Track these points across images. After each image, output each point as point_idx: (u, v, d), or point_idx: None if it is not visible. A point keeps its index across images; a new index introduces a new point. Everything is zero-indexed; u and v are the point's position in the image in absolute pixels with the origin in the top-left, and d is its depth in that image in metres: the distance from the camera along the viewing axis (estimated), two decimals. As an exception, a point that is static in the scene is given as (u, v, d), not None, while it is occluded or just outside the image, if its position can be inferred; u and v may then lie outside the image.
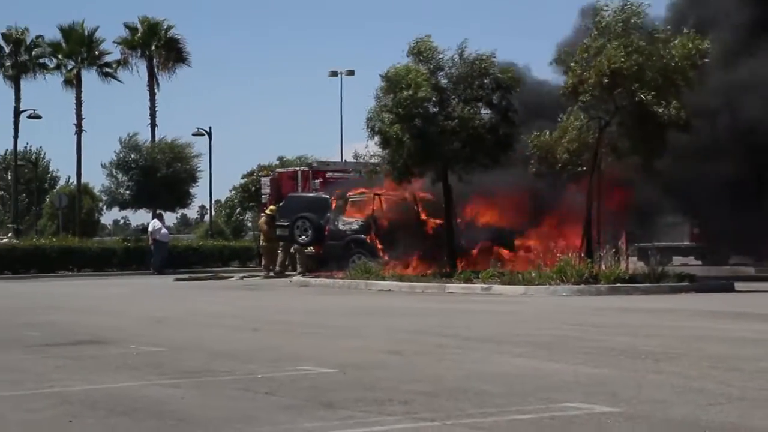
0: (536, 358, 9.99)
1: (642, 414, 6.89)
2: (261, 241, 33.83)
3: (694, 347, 10.77)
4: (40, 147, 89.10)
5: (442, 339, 11.83)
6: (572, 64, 21.07)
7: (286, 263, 32.50)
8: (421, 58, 23.81)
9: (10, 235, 47.69)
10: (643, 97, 20.33)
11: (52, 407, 7.45)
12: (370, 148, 24.31)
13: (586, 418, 6.77)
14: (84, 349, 11.42)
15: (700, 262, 36.68)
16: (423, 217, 27.80)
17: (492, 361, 9.83)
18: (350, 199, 30.54)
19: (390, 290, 22.91)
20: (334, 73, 61.22)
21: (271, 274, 31.71)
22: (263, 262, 33.38)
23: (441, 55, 24.00)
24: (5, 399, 7.88)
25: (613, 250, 22.71)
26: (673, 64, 20.42)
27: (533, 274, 21.87)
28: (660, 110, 20.32)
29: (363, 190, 29.62)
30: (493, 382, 8.30)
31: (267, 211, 33.47)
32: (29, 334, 13.03)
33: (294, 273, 30.98)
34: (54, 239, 42.33)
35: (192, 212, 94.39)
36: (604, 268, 21.61)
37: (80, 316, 16.70)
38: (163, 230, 38.14)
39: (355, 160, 27.58)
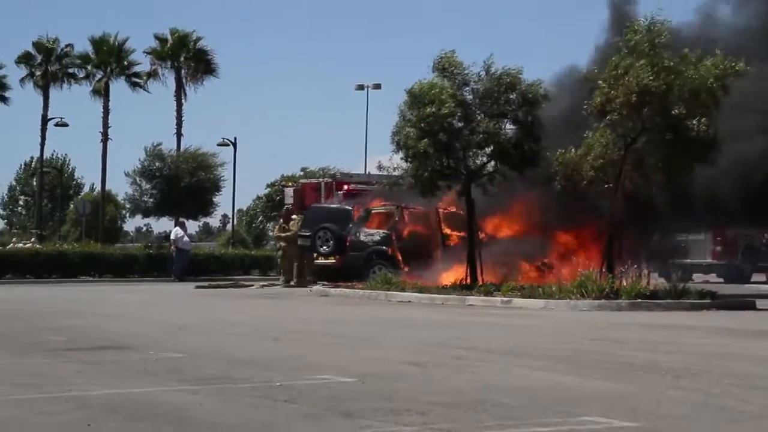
0: (556, 371, 9.97)
1: (661, 430, 6.88)
2: (279, 249, 33.76)
3: (715, 364, 10.73)
4: (65, 154, 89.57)
5: (461, 351, 11.81)
6: (600, 82, 21.04)
7: (305, 273, 32.55)
8: (446, 73, 23.82)
9: (33, 240, 47.86)
10: (676, 112, 20.32)
11: (71, 411, 7.48)
12: (394, 161, 24.37)
13: (605, 432, 6.76)
14: (105, 354, 11.47)
15: (721, 279, 36.58)
16: (445, 230, 27.82)
17: (511, 373, 9.82)
18: (373, 211, 30.59)
19: (410, 302, 22.90)
20: (360, 87, 61.34)
21: (292, 283, 31.74)
22: (281, 270, 33.35)
23: (466, 71, 24.02)
24: (26, 402, 7.92)
25: (635, 266, 22.60)
26: (708, 84, 20.38)
27: (554, 288, 21.83)
28: (691, 124, 20.32)
29: (385, 202, 29.68)
30: (512, 395, 8.29)
31: (281, 221, 33.54)
32: (51, 339, 13.09)
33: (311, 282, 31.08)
34: (76, 245, 42.52)
35: (214, 221, 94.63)
36: (624, 283, 21.54)
37: (101, 321, 16.76)
38: (185, 238, 38.25)
39: (378, 172, 27.59)
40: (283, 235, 32.41)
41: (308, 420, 7.10)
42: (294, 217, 33.13)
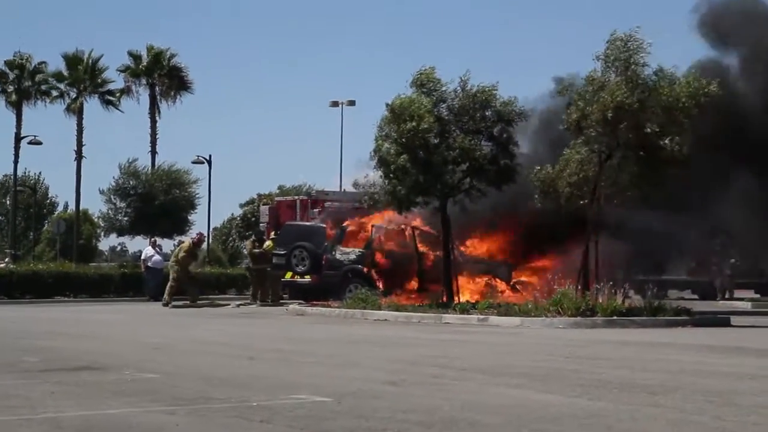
0: (532, 389, 9.99)
1: (637, 447, 6.89)
2: (249, 267, 33.50)
3: (689, 381, 10.77)
4: (39, 172, 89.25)
5: (437, 369, 11.82)
6: (575, 96, 21.17)
7: (280, 292, 32.52)
8: (424, 89, 23.92)
9: (7, 260, 47.61)
10: (648, 130, 20.46)
11: (46, 433, 7.44)
12: (370, 178, 24.42)
13: (581, 450, 6.77)
14: (80, 375, 11.40)
15: (696, 297, 36.77)
16: (420, 248, 27.87)
17: (488, 392, 9.83)
18: (347, 229, 30.60)
19: (386, 320, 22.89)
20: (335, 103, 61.46)
21: (268, 300, 31.65)
22: (251, 290, 33.16)
23: (444, 87, 24.13)
24: (-1, 424, 7.87)
25: (610, 283, 22.67)
26: (680, 103, 20.53)
27: (529, 306, 21.91)
28: (663, 143, 20.46)
29: (362, 220, 29.72)
30: (489, 413, 8.30)
31: (251, 241, 33.52)
32: (25, 360, 13.00)
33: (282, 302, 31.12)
34: (51, 265, 42.27)
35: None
36: (600, 300, 21.61)
37: (77, 342, 16.66)
38: (156, 257, 38.03)
39: (354, 190, 27.62)
40: (257, 251, 32.21)
41: (284, 440, 7.09)
42: (268, 242, 32.99)
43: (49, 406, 8.74)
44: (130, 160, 50.45)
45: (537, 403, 9.01)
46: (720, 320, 22.58)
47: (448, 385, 10.30)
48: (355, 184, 25.68)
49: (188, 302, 31.71)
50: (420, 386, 10.27)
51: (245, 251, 34.69)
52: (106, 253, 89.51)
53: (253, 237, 33.58)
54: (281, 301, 31.79)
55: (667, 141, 20.75)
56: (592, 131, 21.12)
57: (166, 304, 30.97)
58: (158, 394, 9.51)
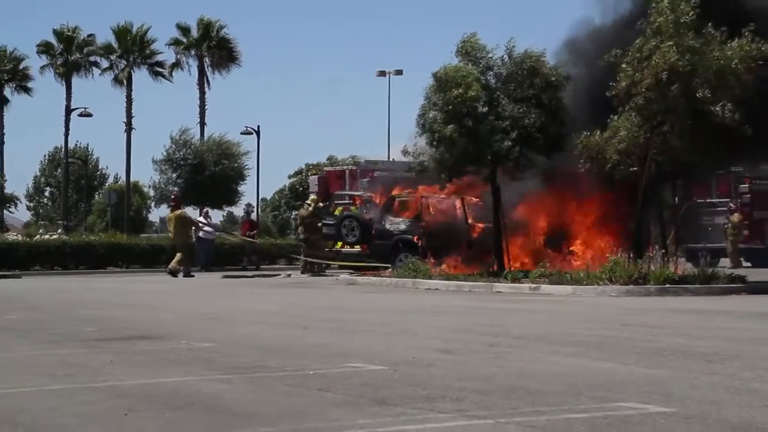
0: (587, 357, 9.95)
1: (697, 414, 6.85)
2: (301, 235, 33.30)
3: (747, 349, 10.69)
4: (87, 144, 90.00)
5: (491, 338, 11.80)
6: (624, 65, 20.94)
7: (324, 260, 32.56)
8: (470, 57, 23.75)
9: (59, 231, 48.08)
10: (699, 94, 20.17)
11: (107, 401, 7.52)
12: (419, 146, 24.32)
13: (641, 418, 6.73)
14: (136, 344, 11.51)
15: (749, 264, 36.42)
16: (470, 220, 27.79)
17: (543, 360, 9.80)
18: (398, 199, 30.58)
19: (437, 289, 22.90)
20: (382, 73, 61.36)
21: (316, 268, 31.64)
22: (303, 256, 32.97)
23: (489, 54, 23.95)
24: (61, 392, 7.96)
25: (663, 251, 22.51)
26: (732, 65, 20.23)
27: (582, 275, 21.77)
28: (715, 109, 20.16)
29: (411, 190, 29.68)
30: (546, 381, 8.28)
31: (309, 201, 33.10)
32: (82, 329, 13.15)
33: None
34: (103, 236, 42.66)
35: (239, 210, 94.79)
36: (653, 268, 21.46)
37: (131, 311, 16.82)
38: (208, 228, 38.29)
39: (403, 159, 27.56)
40: (308, 220, 32.10)
41: (342, 408, 7.11)
42: (312, 197, 32.99)
43: (109, 375, 8.83)
44: (181, 130, 50.70)
45: (594, 371, 8.98)
46: (775, 287, 22.34)
47: (503, 354, 10.29)
48: (404, 152, 25.57)
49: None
50: (475, 354, 10.27)
51: (298, 217, 34.30)
52: (156, 224, 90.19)
53: (309, 203, 32.97)
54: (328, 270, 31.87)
55: (718, 108, 20.43)
56: (642, 99, 20.86)
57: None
58: (214, 363, 9.58)
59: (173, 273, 30.60)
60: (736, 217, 35.78)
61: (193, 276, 30.77)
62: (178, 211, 32.74)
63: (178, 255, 31.19)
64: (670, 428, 6.41)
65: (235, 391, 7.92)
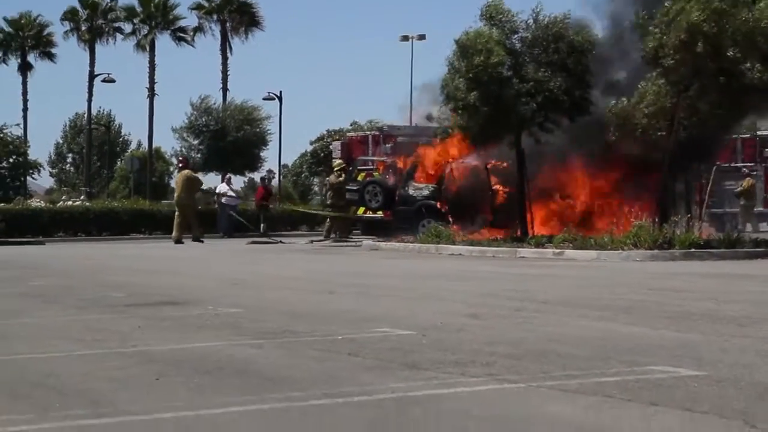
0: (616, 321, 9.92)
1: (729, 377, 6.81)
2: (329, 201, 33.35)
3: (776, 312, 10.65)
4: (110, 110, 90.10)
5: (518, 303, 11.77)
6: (651, 27, 20.78)
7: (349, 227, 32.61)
8: (494, 21, 23.62)
9: (82, 197, 48.26)
10: (730, 54, 19.98)
11: (137, 365, 7.53)
12: (443, 111, 24.26)
13: (673, 381, 6.70)
14: (163, 309, 11.53)
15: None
16: (494, 186, 27.73)
17: (572, 324, 9.77)
18: (420, 164, 30.53)
19: (461, 254, 22.89)
20: (405, 38, 61.12)
21: (347, 237, 31.65)
22: (328, 224, 33.00)
23: (514, 18, 23.81)
24: (91, 357, 7.98)
25: (687, 215, 22.43)
26: (763, 24, 20.03)
27: (606, 239, 21.74)
28: (745, 68, 19.98)
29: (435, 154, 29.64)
30: (575, 345, 8.25)
31: (335, 166, 33.00)
32: (108, 295, 13.19)
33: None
34: (126, 202, 42.80)
35: (259, 176, 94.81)
36: (678, 233, 21.39)
37: (157, 277, 16.88)
38: (230, 194, 38.33)
39: (427, 124, 27.51)
40: (337, 186, 32.06)
41: (374, 372, 7.11)
42: (338, 161, 32.95)
43: (138, 340, 8.85)
44: (201, 97, 50.71)
45: (623, 335, 8.94)
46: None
47: (530, 318, 10.26)
48: (429, 117, 25.52)
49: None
50: (502, 319, 10.25)
51: (328, 183, 34.12)
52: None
53: (338, 169, 32.90)
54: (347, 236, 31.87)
55: (748, 65, 20.24)
56: (669, 60, 20.70)
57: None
58: (242, 328, 9.58)
59: (179, 242, 30.58)
60: (747, 182, 35.48)
61: (203, 241, 30.75)
62: (186, 171, 32.66)
63: (178, 219, 31.10)
64: (702, 391, 6.37)
65: (267, 356, 7.92)
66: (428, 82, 27.23)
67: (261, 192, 39.53)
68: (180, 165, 34.33)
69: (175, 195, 32.70)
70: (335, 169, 33.14)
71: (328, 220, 33.30)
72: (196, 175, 34.73)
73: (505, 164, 27.14)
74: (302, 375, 7.01)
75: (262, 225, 37.12)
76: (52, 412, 5.95)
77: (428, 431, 5.48)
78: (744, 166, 36.23)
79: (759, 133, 35.07)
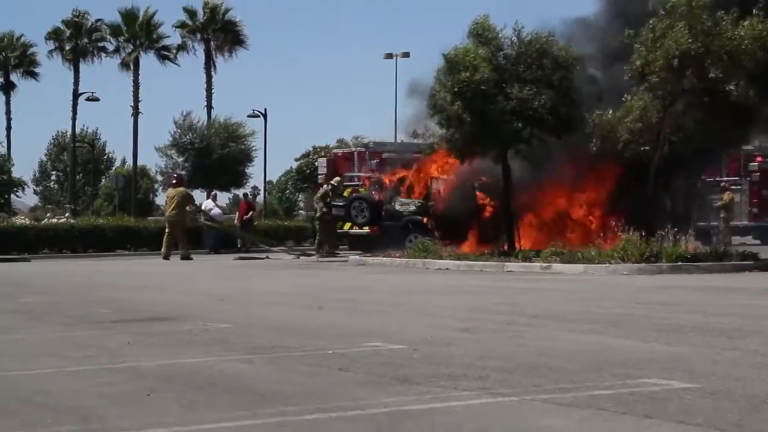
0: (606, 335, 9.92)
1: (722, 390, 6.81)
2: (316, 217, 33.20)
3: (764, 324, 10.68)
4: (96, 128, 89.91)
5: (508, 317, 11.76)
6: (638, 45, 20.86)
7: (337, 241, 32.51)
8: (481, 39, 23.63)
9: (67, 215, 48.07)
10: (713, 75, 20.09)
11: (127, 381, 7.49)
12: (429, 127, 24.30)
13: (666, 394, 6.70)
14: (152, 325, 11.48)
15: (758, 242, 36.36)
16: (480, 200, 27.73)
17: (562, 338, 9.76)
18: (406, 180, 30.54)
19: (448, 269, 22.86)
20: (389, 55, 61.23)
21: (333, 252, 31.51)
22: (318, 239, 32.87)
23: (499, 35, 23.83)
24: (80, 374, 7.93)
25: (674, 229, 22.47)
26: (743, 46, 20.16)
27: (593, 253, 21.75)
28: (729, 88, 20.09)
29: (421, 170, 29.64)
30: (567, 359, 8.24)
31: (327, 186, 32.76)
32: (97, 311, 13.12)
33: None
34: (111, 219, 42.66)
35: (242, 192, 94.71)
36: (665, 246, 21.43)
37: (144, 294, 16.80)
38: (215, 210, 38.20)
39: (412, 140, 27.53)
40: (324, 202, 31.86)
41: (366, 387, 7.08)
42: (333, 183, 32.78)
43: (128, 356, 8.80)
44: (184, 113, 50.67)
45: (614, 348, 8.94)
46: (787, 265, 22.29)
47: (521, 332, 10.25)
48: (414, 134, 25.55)
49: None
50: (493, 333, 10.24)
51: (317, 199, 33.87)
52: (162, 208, 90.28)
53: (328, 186, 32.69)
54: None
55: (731, 87, 20.37)
56: (655, 78, 20.80)
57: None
58: (232, 344, 9.54)
59: (167, 257, 30.49)
60: (727, 195, 35.54)
61: (192, 259, 30.65)
62: (180, 189, 32.55)
63: (168, 236, 31.01)
64: (696, 404, 6.37)
65: (258, 371, 7.89)
66: (415, 83, 26.69)
67: (243, 207, 39.28)
68: (174, 182, 34.21)
69: (167, 211, 32.53)
70: (332, 183, 32.85)
71: (317, 234, 33.12)
72: (191, 193, 34.62)
73: (488, 180, 27.13)
74: (294, 390, 6.98)
75: (239, 241, 37.01)
76: (42, 428, 5.91)
77: (423, 445, 5.45)
78: (725, 181, 36.36)
79: (743, 147, 35.20)
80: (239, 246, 36.45)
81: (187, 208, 32.80)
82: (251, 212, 39.08)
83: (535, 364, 8.00)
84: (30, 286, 19.04)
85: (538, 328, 10.66)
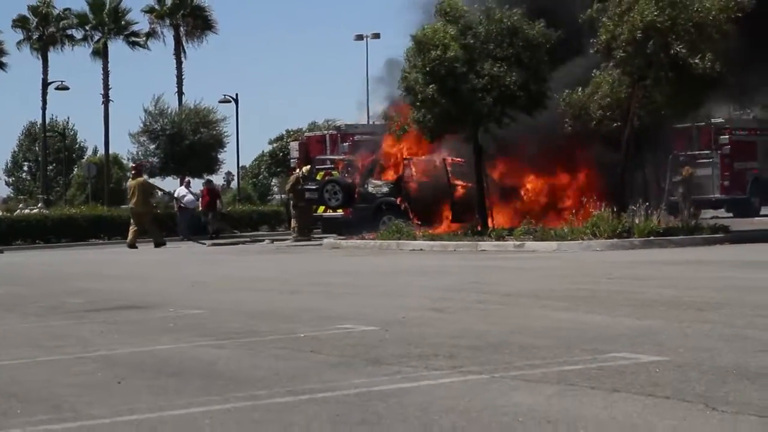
0: (577, 311, 9.97)
1: (690, 362, 6.86)
2: (291, 204, 33.31)
3: (736, 297, 10.74)
4: (67, 117, 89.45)
5: (481, 295, 11.81)
6: (605, 19, 20.86)
7: (312, 226, 32.50)
8: (449, 17, 23.60)
9: (40, 205, 47.88)
10: (678, 50, 20.13)
11: (99, 370, 7.48)
12: (397, 111, 24.25)
13: (635, 367, 6.74)
14: (125, 313, 11.47)
15: (730, 214, 36.56)
16: (453, 179, 27.72)
17: (534, 315, 9.82)
18: (379, 162, 30.50)
19: (422, 249, 22.89)
20: (359, 37, 61.11)
21: (309, 237, 31.49)
22: (293, 225, 32.96)
23: (467, 14, 23.79)
24: (53, 363, 7.93)
25: (646, 204, 22.57)
26: (710, 17, 20.18)
27: (565, 230, 21.82)
28: (694, 62, 20.11)
29: (393, 152, 29.59)
30: (538, 336, 8.29)
31: (298, 172, 32.85)
32: (69, 301, 13.09)
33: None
34: (84, 208, 42.51)
35: (218, 178, 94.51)
36: (637, 221, 21.52)
37: (117, 282, 16.76)
38: (189, 197, 38.05)
39: (384, 122, 27.48)
40: (299, 187, 31.87)
41: (337, 369, 7.10)
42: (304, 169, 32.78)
43: (100, 344, 8.79)
44: (155, 99, 50.44)
45: (584, 324, 8.99)
46: (758, 236, 22.44)
47: (493, 311, 10.30)
48: (385, 116, 25.50)
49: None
50: (465, 312, 10.28)
51: (288, 186, 33.83)
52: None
53: (299, 172, 32.76)
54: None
55: (697, 60, 20.39)
56: (622, 53, 20.82)
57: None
58: (205, 330, 9.55)
59: (132, 246, 30.30)
60: (686, 170, 35.53)
61: (165, 244, 30.55)
62: (140, 179, 32.31)
63: (133, 227, 30.86)
64: (664, 377, 6.42)
65: (229, 356, 7.89)
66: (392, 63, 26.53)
67: (206, 193, 38.91)
68: (133, 172, 34.02)
69: (130, 203, 32.34)
70: (302, 170, 32.87)
71: (293, 220, 33.07)
72: (150, 181, 34.42)
73: (461, 160, 27.13)
74: (265, 374, 7.00)
75: (209, 227, 36.88)
76: (13, 418, 5.90)
77: (392, 425, 5.47)
78: (694, 155, 36.37)
79: (713, 120, 35.34)
80: (211, 233, 36.34)
81: (158, 194, 32.64)
82: (215, 200, 38.70)
83: (505, 341, 8.04)
84: (1, 278, 18.96)
85: (511, 306, 10.71)
